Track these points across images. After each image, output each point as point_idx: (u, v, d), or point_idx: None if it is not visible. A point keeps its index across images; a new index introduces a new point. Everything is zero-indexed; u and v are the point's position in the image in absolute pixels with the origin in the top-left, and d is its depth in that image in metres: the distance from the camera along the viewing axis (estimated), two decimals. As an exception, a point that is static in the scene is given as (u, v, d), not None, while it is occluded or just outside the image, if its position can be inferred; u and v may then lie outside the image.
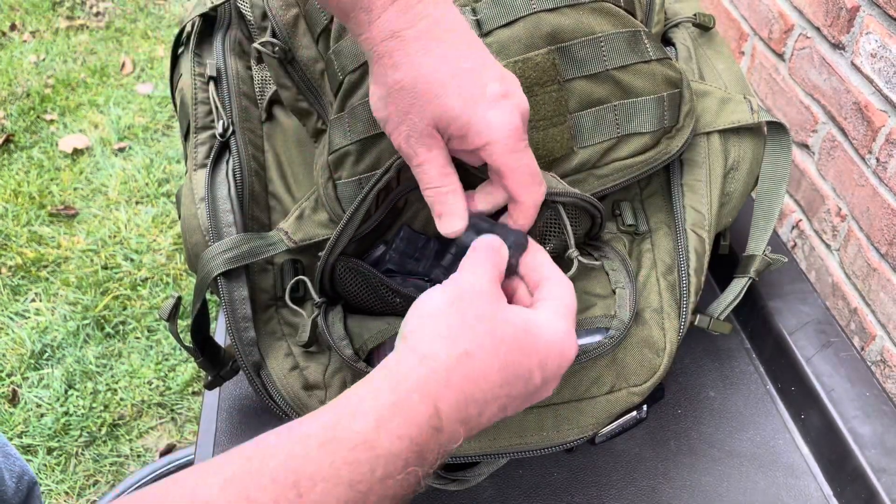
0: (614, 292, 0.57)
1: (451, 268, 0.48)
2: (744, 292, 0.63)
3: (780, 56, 0.95)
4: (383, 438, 0.34)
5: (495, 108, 0.45)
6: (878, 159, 0.78)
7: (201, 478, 0.31)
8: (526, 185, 0.47)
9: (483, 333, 0.39)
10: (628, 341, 0.56)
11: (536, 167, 0.47)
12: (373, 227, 0.55)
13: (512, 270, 0.48)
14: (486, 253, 0.45)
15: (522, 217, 0.49)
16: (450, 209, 0.48)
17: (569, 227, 0.53)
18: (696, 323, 0.60)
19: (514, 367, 0.40)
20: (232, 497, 0.30)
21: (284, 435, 0.34)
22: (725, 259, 0.72)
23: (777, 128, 0.65)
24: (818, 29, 0.85)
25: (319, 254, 0.56)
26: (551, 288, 0.46)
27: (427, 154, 0.46)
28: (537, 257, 0.48)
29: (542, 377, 0.41)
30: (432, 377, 0.37)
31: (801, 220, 0.95)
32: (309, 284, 0.58)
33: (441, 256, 0.56)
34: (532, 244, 0.49)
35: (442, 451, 0.37)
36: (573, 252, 0.53)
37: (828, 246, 0.89)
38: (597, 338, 0.55)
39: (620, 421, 0.63)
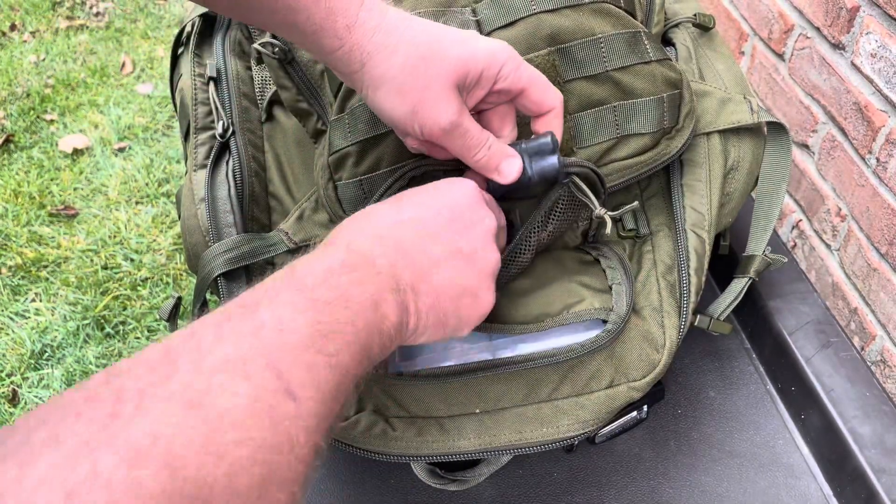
0: (611, 288, 0.57)
1: None
2: (744, 292, 0.63)
3: (780, 56, 0.95)
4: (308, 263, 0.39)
5: (484, 40, 0.48)
6: (878, 159, 0.78)
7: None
8: (548, 89, 0.50)
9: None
10: (627, 335, 0.56)
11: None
12: None
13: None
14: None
15: (557, 119, 0.51)
16: (504, 153, 0.49)
17: (587, 189, 0.53)
18: (696, 323, 0.60)
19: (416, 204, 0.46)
20: (198, 324, 0.33)
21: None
22: (725, 259, 0.72)
23: (777, 128, 0.65)
24: (818, 29, 0.85)
25: None
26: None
27: (462, 117, 0.47)
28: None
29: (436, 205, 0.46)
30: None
31: (801, 220, 0.95)
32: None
33: None
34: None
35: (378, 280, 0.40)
36: (601, 210, 0.52)
37: (828, 246, 0.89)
38: (594, 332, 0.56)
39: (621, 421, 0.63)
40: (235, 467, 0.28)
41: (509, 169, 0.49)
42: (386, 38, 0.45)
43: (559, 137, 0.51)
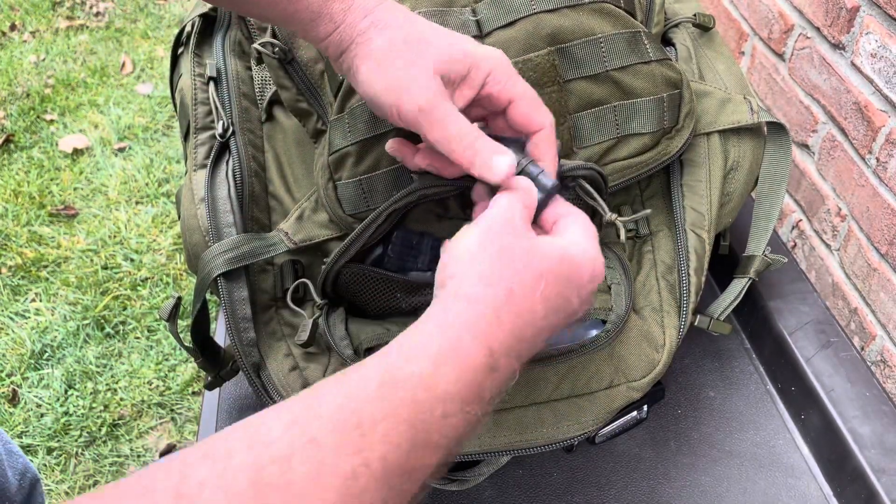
0: (610, 288, 0.57)
1: None
2: (744, 293, 0.63)
3: (780, 56, 0.95)
4: (440, 380, 0.34)
5: (481, 45, 0.47)
6: (878, 159, 0.78)
7: (264, 421, 0.32)
8: (538, 107, 0.47)
9: (523, 269, 0.40)
10: (626, 335, 0.56)
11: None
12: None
13: (541, 208, 0.47)
14: (518, 190, 0.45)
15: (546, 143, 0.47)
16: (492, 149, 0.46)
17: (596, 195, 0.51)
18: (696, 323, 0.60)
19: (555, 298, 0.41)
20: (295, 438, 0.31)
21: (342, 380, 0.34)
22: (725, 259, 0.72)
23: (777, 128, 0.65)
24: (818, 29, 0.85)
25: (325, 260, 0.56)
26: (570, 218, 0.46)
27: (440, 100, 0.45)
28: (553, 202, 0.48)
29: (578, 301, 0.42)
30: (482, 319, 0.37)
31: (801, 220, 0.95)
32: (311, 286, 0.58)
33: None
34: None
35: (498, 389, 0.38)
36: (612, 216, 0.51)
37: (828, 246, 0.89)
38: (594, 332, 0.56)
39: (621, 421, 0.63)
40: None
41: (501, 164, 0.45)
42: (377, 19, 0.46)
43: (553, 166, 0.48)
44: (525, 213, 0.44)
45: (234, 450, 0.30)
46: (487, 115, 0.49)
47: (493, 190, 0.47)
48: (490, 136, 0.47)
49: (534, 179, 0.46)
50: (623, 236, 0.51)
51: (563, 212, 0.47)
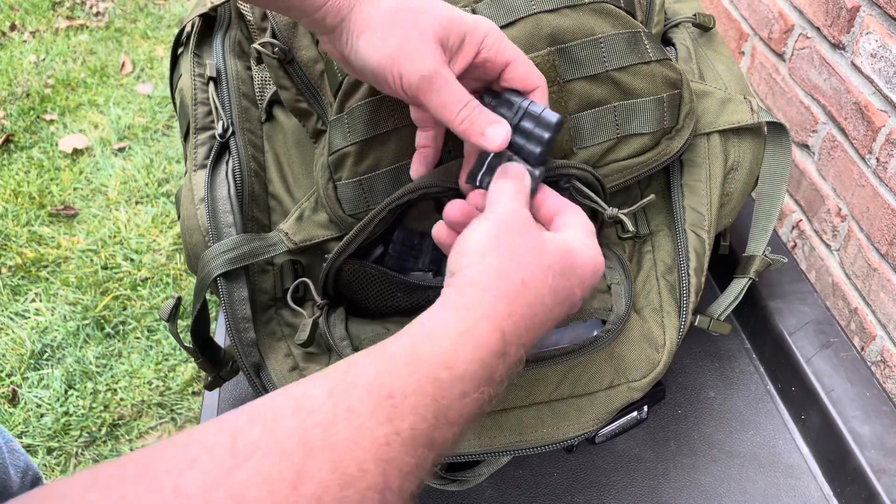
0: (610, 288, 0.57)
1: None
2: (744, 293, 0.63)
3: (780, 56, 0.95)
4: (459, 361, 0.37)
5: (467, 13, 0.47)
6: (878, 159, 0.78)
7: (304, 390, 0.34)
8: (531, 67, 0.49)
9: (533, 263, 0.42)
10: (627, 335, 0.56)
11: None
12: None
13: (536, 183, 0.49)
14: (516, 180, 0.47)
15: (544, 99, 0.49)
16: (488, 118, 0.47)
17: (591, 193, 0.53)
18: (696, 323, 0.60)
19: (562, 291, 0.43)
20: (336, 404, 0.33)
21: (371, 355, 0.36)
22: (725, 259, 0.72)
23: (777, 128, 0.65)
24: (818, 29, 0.85)
25: (326, 256, 0.56)
26: (569, 215, 0.48)
27: (443, 68, 0.46)
28: (547, 194, 0.49)
29: (581, 293, 0.45)
30: (496, 306, 0.40)
31: (801, 220, 0.95)
32: (311, 286, 0.58)
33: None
34: (542, 187, 0.49)
35: (507, 373, 0.40)
36: (612, 210, 0.53)
37: (828, 246, 0.89)
38: (594, 332, 0.56)
39: (621, 421, 0.63)
40: None
41: (497, 134, 0.47)
42: None
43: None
44: (526, 201, 0.46)
45: (280, 415, 0.32)
46: (481, 86, 0.50)
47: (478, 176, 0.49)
48: (487, 94, 0.49)
49: (538, 116, 0.48)
50: (630, 226, 0.52)
51: (562, 207, 0.48)
